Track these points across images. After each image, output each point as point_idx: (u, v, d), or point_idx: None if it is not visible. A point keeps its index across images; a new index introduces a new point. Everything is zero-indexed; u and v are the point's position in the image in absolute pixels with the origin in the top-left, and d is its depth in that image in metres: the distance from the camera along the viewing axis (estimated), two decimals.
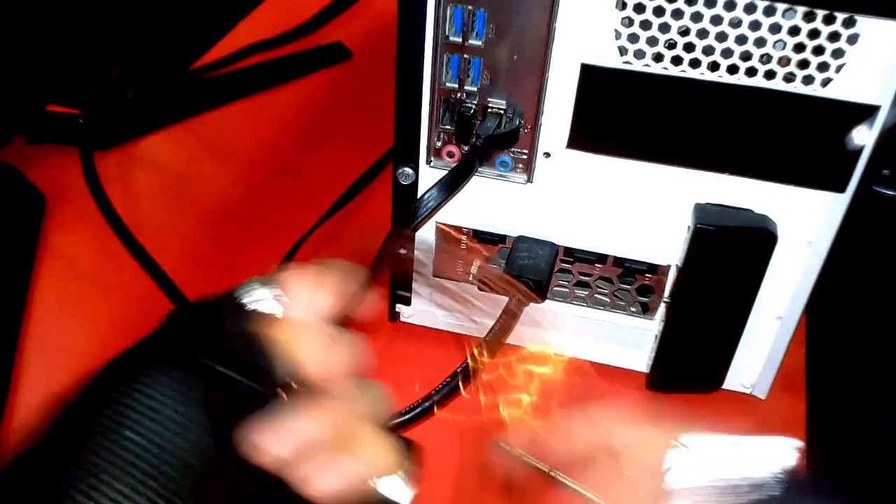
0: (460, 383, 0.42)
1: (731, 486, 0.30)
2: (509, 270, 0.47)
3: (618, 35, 0.40)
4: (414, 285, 0.52)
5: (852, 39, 0.38)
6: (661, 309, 0.48)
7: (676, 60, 0.40)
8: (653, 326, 0.49)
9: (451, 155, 0.45)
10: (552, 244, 0.48)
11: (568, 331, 0.51)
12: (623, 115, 0.42)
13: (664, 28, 0.39)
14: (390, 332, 0.53)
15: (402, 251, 0.50)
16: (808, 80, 0.39)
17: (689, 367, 0.49)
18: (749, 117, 0.41)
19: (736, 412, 0.50)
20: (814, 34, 0.38)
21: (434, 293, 0.52)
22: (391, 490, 0.28)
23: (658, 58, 0.40)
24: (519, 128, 0.44)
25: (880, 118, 0.39)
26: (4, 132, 0.66)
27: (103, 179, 0.62)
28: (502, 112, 0.43)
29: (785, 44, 0.38)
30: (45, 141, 0.66)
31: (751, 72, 0.39)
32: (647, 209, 0.45)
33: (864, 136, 0.40)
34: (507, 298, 0.47)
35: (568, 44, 0.41)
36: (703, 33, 0.39)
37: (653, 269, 0.47)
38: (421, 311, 0.53)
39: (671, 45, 0.40)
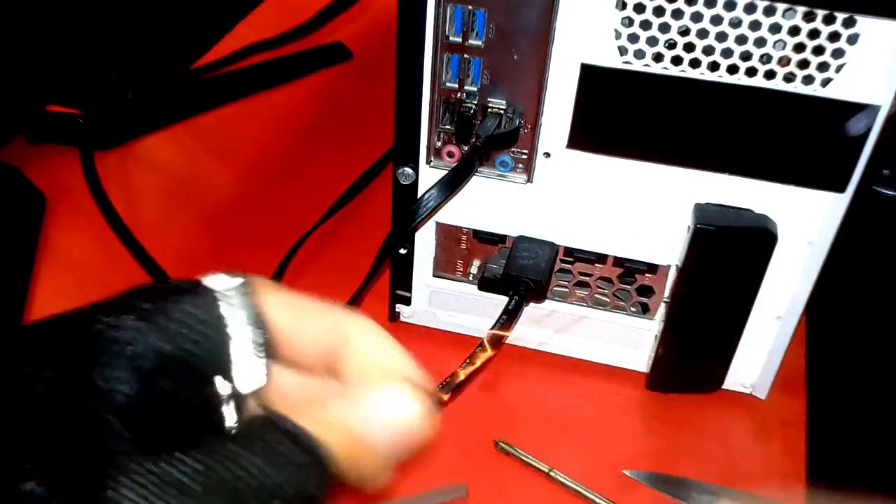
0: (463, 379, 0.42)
1: None
2: (509, 270, 0.47)
3: (618, 35, 0.40)
4: (414, 285, 0.52)
5: (852, 39, 0.38)
6: (661, 309, 0.48)
7: (676, 60, 0.40)
8: (653, 326, 0.49)
9: (451, 155, 0.45)
10: (552, 244, 0.48)
11: (568, 331, 0.51)
12: (623, 115, 0.42)
13: (664, 28, 0.39)
14: (390, 332, 0.53)
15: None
16: (808, 80, 0.39)
17: (689, 367, 0.49)
18: (749, 117, 0.41)
19: (736, 412, 0.50)
20: (814, 34, 0.38)
21: (434, 293, 0.52)
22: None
23: (658, 58, 0.40)
24: (519, 128, 0.44)
25: (880, 118, 0.39)
26: (4, 132, 0.66)
27: (103, 179, 0.62)
28: (502, 112, 0.43)
29: (785, 44, 0.38)
30: (45, 141, 0.66)
31: (751, 72, 0.40)
32: (647, 209, 0.45)
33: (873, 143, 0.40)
34: (506, 298, 0.47)
35: (568, 44, 0.41)
36: (703, 33, 0.39)
37: (653, 269, 0.47)
38: (421, 311, 0.53)
39: (671, 45, 0.40)
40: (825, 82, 0.39)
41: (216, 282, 0.25)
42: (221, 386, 0.24)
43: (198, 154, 0.70)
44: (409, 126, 0.45)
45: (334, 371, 0.27)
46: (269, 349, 0.25)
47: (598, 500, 0.45)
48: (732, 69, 0.40)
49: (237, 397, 0.24)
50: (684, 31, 0.39)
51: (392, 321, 0.53)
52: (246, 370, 0.24)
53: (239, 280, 0.25)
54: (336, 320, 0.27)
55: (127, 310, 0.23)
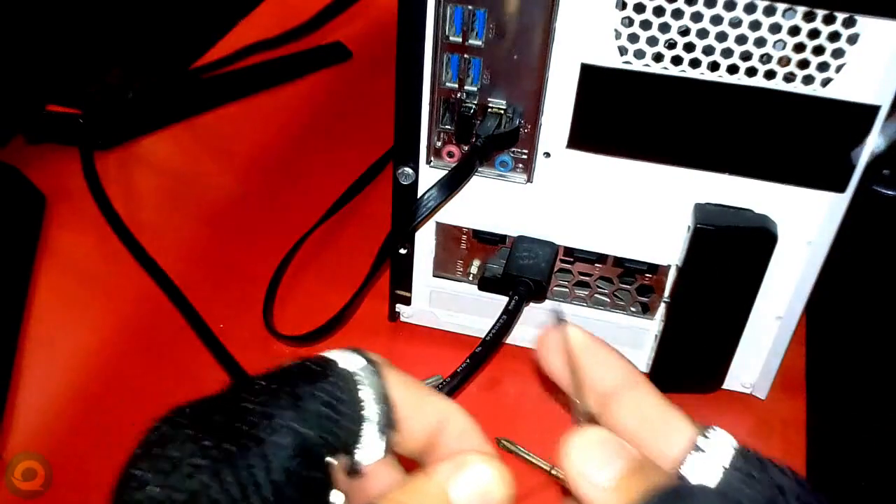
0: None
1: None
2: (509, 270, 0.47)
3: (618, 35, 0.40)
4: (414, 285, 0.52)
5: (852, 39, 0.38)
6: (661, 309, 0.48)
7: (676, 60, 0.40)
8: (653, 326, 0.49)
9: (451, 155, 0.45)
10: (552, 244, 0.48)
11: None
12: (623, 115, 0.42)
13: (664, 28, 0.39)
14: (390, 332, 0.54)
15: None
16: (808, 80, 0.39)
17: (689, 367, 0.49)
18: (749, 117, 0.41)
19: (736, 412, 0.50)
20: (814, 34, 0.38)
21: (434, 293, 0.52)
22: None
23: (658, 58, 0.40)
24: (519, 128, 0.44)
25: (880, 118, 0.39)
26: (4, 132, 0.66)
27: (103, 179, 0.62)
28: (502, 112, 0.43)
29: (785, 44, 0.38)
30: (45, 141, 0.66)
31: (751, 72, 0.40)
32: (647, 209, 0.45)
33: (872, 143, 0.40)
34: (506, 298, 0.47)
35: (568, 44, 0.41)
36: (703, 33, 0.39)
37: (653, 269, 0.47)
38: (421, 311, 0.53)
39: (671, 45, 0.40)
40: (825, 82, 0.39)
41: (349, 361, 0.27)
42: (342, 462, 0.26)
43: (198, 154, 0.70)
44: (409, 126, 0.45)
45: (431, 450, 0.29)
46: (392, 426, 0.27)
47: None
48: (732, 69, 0.40)
49: (353, 471, 0.26)
50: (684, 31, 0.39)
51: (392, 321, 0.53)
52: (370, 446, 0.26)
53: (366, 360, 0.27)
54: (439, 402, 0.29)
55: (275, 394, 0.25)
